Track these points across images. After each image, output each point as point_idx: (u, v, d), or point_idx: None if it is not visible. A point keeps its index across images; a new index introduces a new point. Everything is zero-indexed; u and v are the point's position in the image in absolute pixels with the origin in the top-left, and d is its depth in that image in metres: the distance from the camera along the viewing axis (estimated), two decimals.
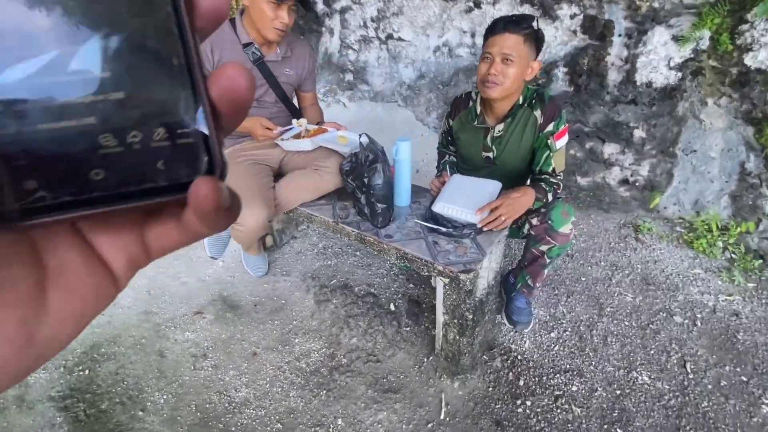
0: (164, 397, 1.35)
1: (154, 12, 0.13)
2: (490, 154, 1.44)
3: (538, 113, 1.31)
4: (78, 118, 0.13)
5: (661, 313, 1.59)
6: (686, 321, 1.56)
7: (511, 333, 1.54)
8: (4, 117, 0.12)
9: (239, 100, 0.14)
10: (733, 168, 2.05)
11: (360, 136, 1.22)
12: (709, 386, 1.32)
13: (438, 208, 1.30)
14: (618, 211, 2.24)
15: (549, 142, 1.30)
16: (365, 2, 3.52)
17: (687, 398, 1.29)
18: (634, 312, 1.61)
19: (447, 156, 1.63)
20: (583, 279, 1.78)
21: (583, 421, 1.24)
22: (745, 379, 1.34)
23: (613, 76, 2.47)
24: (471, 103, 1.44)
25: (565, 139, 1.31)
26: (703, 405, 1.27)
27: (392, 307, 1.66)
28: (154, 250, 0.16)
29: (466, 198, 1.27)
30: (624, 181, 2.34)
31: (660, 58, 2.26)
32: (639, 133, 2.32)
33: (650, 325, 1.54)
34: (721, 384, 1.32)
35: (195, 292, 1.79)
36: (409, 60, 3.54)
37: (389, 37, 3.51)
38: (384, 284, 1.79)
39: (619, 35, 2.41)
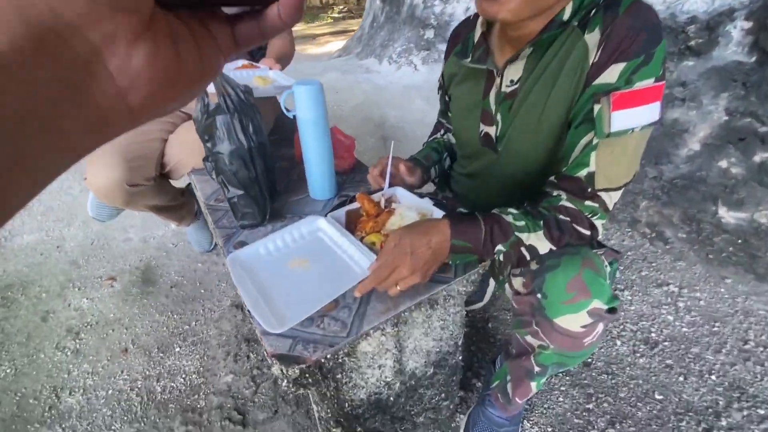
0: (7, 371, 1.11)
1: None
2: (492, 130, 0.73)
3: (593, 37, 0.56)
4: None
5: None
6: None
7: None
8: None
9: None
10: None
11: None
12: None
13: None
14: None
15: (599, 109, 0.55)
16: None
17: None
18: None
19: (441, 131, 0.98)
20: (659, 397, 0.96)
21: None
22: None
23: None
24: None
25: (648, 112, 0.53)
26: None
27: None
28: (240, 41, 0.19)
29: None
30: None
31: None
32: None
33: None
34: None
35: (130, 252, 1.54)
36: None
37: None
38: None
39: None
